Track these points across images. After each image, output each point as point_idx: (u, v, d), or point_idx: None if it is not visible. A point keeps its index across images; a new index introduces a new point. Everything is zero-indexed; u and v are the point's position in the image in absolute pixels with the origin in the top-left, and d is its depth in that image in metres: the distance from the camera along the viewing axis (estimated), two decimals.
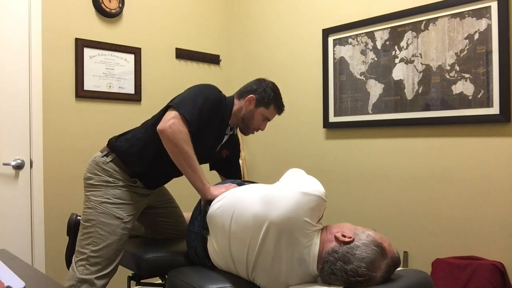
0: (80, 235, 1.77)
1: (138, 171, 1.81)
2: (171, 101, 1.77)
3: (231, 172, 2.16)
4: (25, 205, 2.47)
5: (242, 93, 1.93)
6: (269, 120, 1.97)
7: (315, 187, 1.40)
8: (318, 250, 1.35)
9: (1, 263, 1.36)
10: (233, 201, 1.55)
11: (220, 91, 1.88)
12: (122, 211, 1.77)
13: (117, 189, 1.78)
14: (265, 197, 1.44)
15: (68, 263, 2.04)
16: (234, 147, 2.11)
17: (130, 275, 1.96)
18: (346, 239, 1.33)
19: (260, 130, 1.99)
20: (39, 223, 2.50)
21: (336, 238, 1.35)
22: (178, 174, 1.89)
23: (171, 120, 1.64)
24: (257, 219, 1.41)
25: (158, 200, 2.02)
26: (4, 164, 2.40)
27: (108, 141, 1.88)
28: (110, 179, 1.78)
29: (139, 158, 1.81)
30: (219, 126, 1.87)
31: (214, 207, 1.61)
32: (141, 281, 1.94)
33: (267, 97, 1.90)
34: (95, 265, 1.71)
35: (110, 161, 1.80)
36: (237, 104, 1.93)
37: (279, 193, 1.42)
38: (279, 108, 1.96)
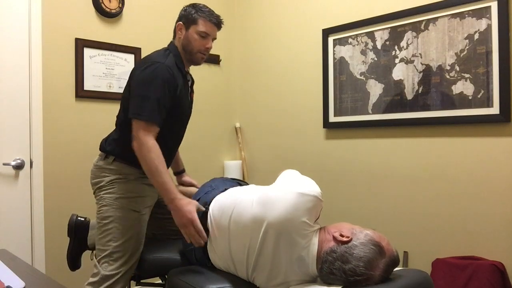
0: (99, 233, 1.79)
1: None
2: (128, 104, 1.75)
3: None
4: (25, 205, 2.47)
5: (174, 33, 1.93)
6: (208, 34, 1.88)
7: (311, 187, 1.40)
8: (317, 250, 1.35)
9: (1, 263, 1.36)
10: (231, 202, 1.55)
11: (159, 60, 1.77)
12: (138, 204, 1.80)
13: (129, 183, 1.81)
14: (262, 199, 1.44)
15: (70, 264, 2.04)
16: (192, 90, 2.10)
17: None
18: (344, 239, 1.33)
19: (207, 50, 1.89)
20: (39, 223, 2.49)
21: (334, 238, 1.35)
22: (177, 146, 2.00)
23: (136, 136, 1.66)
24: (256, 220, 1.41)
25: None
26: (4, 164, 2.39)
27: (100, 147, 1.90)
28: (120, 176, 1.81)
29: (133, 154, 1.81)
30: (183, 83, 1.85)
31: (212, 207, 1.61)
32: (141, 281, 1.94)
33: (189, 14, 1.86)
34: (118, 260, 1.73)
35: (114, 160, 1.83)
36: (177, 44, 1.90)
37: (276, 194, 1.42)
38: (208, 16, 1.88)
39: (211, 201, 1.66)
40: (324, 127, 2.87)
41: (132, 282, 1.97)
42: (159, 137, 1.72)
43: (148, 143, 1.64)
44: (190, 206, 1.59)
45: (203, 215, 1.64)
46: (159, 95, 1.70)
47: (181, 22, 1.88)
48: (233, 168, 3.33)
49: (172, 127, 1.84)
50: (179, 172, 2.21)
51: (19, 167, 2.44)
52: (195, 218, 1.57)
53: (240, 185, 1.85)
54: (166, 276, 1.70)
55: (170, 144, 1.88)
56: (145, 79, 1.73)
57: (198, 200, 1.73)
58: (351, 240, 1.33)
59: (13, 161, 2.41)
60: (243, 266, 1.47)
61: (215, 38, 1.93)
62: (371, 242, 1.31)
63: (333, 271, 1.30)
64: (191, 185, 2.16)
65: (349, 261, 1.29)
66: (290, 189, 1.40)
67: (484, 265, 2.06)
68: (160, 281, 2.20)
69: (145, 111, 1.68)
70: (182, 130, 1.99)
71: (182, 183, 2.19)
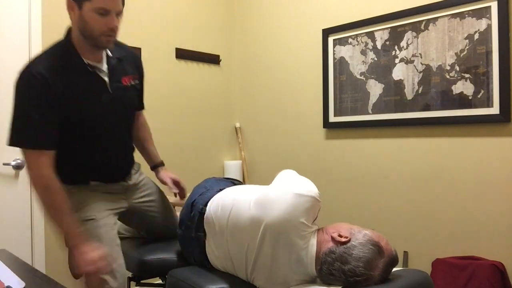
0: None
1: (81, 177, 1.61)
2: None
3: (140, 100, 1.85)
4: (25, 205, 2.47)
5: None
6: (108, 10, 1.43)
7: (309, 188, 1.40)
8: (316, 251, 1.35)
9: (1, 263, 1.36)
10: (229, 203, 1.55)
11: (31, 64, 1.46)
12: (91, 211, 1.57)
13: (73, 196, 1.55)
14: (260, 200, 1.44)
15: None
16: (137, 69, 1.72)
17: (130, 276, 1.96)
18: (343, 239, 1.33)
19: (112, 31, 1.47)
20: (39, 223, 2.49)
21: (333, 239, 1.34)
22: (117, 151, 1.65)
23: (26, 167, 1.45)
24: (254, 222, 1.41)
25: (140, 197, 1.81)
26: (4, 164, 2.39)
27: None
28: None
29: (71, 172, 1.57)
30: (89, 79, 1.50)
31: (210, 208, 1.61)
32: (141, 281, 1.94)
33: None
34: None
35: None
36: (73, 30, 1.52)
37: (274, 195, 1.41)
38: None
39: (207, 202, 1.65)
40: (324, 127, 2.87)
41: (132, 283, 1.97)
42: (77, 153, 1.52)
43: (40, 177, 1.40)
44: (94, 254, 1.41)
45: (200, 216, 1.64)
46: (34, 110, 1.40)
47: (71, 0, 1.46)
48: (233, 168, 3.33)
49: (86, 135, 1.54)
50: (154, 167, 1.93)
51: (19, 167, 2.44)
52: (100, 267, 1.40)
53: (234, 184, 1.84)
54: (166, 276, 1.70)
55: (100, 154, 1.59)
56: (16, 94, 1.45)
57: (193, 203, 1.71)
58: (349, 240, 1.33)
59: (13, 161, 2.41)
60: (242, 267, 1.47)
61: (120, 13, 1.48)
62: (370, 242, 1.31)
63: (332, 272, 1.30)
64: (164, 183, 1.89)
65: (348, 261, 1.28)
66: (288, 190, 1.40)
67: (484, 265, 2.06)
68: (160, 281, 2.20)
69: (24, 135, 1.41)
70: (112, 131, 1.63)
71: (159, 180, 1.94)
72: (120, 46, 1.68)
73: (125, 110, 1.66)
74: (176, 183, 1.89)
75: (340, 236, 1.34)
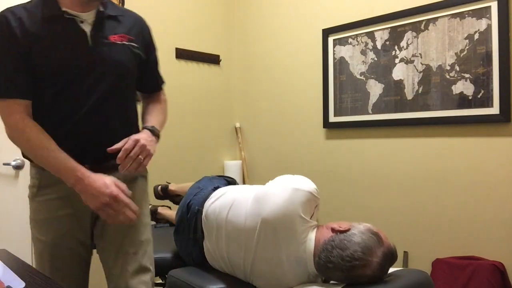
0: None
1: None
2: None
3: (150, 78, 1.55)
4: (25, 205, 2.46)
5: None
6: None
7: (306, 183, 1.42)
8: (314, 246, 1.36)
9: (1, 263, 1.36)
10: (227, 202, 1.55)
11: (7, 9, 1.27)
12: (43, 230, 1.36)
13: (35, 199, 1.39)
14: (258, 196, 1.45)
15: None
16: (141, 36, 1.47)
17: None
18: (342, 229, 1.34)
19: None
20: None
21: (333, 229, 1.36)
22: (104, 133, 1.32)
23: (3, 121, 1.28)
24: (251, 217, 1.41)
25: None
26: (4, 164, 2.39)
27: None
28: (32, 183, 1.41)
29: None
30: (51, 28, 1.27)
31: (208, 209, 1.61)
32: None
33: None
34: None
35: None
36: None
37: (270, 191, 1.43)
38: None
39: (202, 202, 1.65)
40: (324, 127, 2.87)
41: None
42: (43, 119, 1.28)
43: (14, 124, 1.25)
44: (106, 179, 1.21)
45: (196, 217, 1.63)
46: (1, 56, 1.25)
47: None
48: (233, 168, 3.33)
49: (54, 98, 1.28)
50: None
51: (19, 167, 2.44)
52: (117, 192, 1.19)
53: (228, 181, 1.85)
54: (166, 276, 1.70)
55: (76, 114, 1.28)
56: None
57: (188, 204, 1.71)
58: (349, 229, 1.34)
59: (13, 161, 2.41)
60: (240, 268, 1.47)
61: None
62: (370, 231, 1.33)
63: (330, 259, 1.30)
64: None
65: (348, 247, 1.29)
66: (285, 185, 1.41)
67: (484, 265, 2.06)
68: (160, 281, 2.20)
69: None
70: (89, 98, 1.29)
71: None
72: (121, 8, 1.45)
73: (109, 71, 1.32)
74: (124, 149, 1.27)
75: (340, 226, 1.36)
